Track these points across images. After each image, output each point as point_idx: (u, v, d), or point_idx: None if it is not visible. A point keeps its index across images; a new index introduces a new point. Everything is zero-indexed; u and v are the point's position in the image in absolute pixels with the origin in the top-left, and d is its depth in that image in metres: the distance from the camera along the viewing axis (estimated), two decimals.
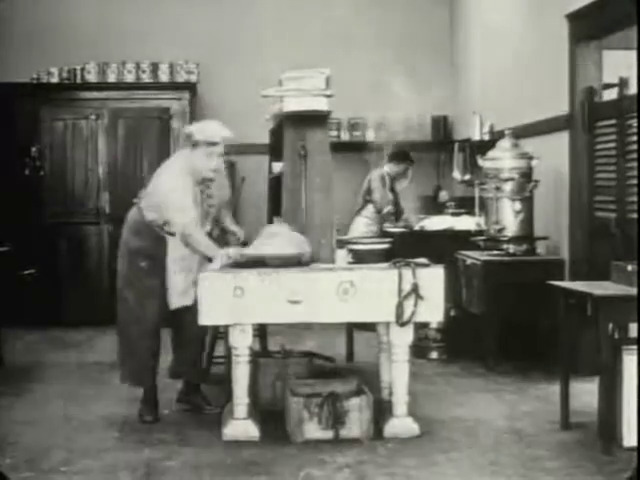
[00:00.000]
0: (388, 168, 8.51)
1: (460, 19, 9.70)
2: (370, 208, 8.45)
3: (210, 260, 5.19)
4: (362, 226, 8.36)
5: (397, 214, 8.37)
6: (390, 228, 7.90)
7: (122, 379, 5.54)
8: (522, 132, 7.17)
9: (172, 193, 5.25)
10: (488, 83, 8.68)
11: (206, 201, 5.46)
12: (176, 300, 5.41)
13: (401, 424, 5.00)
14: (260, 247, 5.10)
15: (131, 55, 9.27)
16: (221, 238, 6.14)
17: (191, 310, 5.30)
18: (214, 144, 5.37)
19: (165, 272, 5.38)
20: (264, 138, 7.03)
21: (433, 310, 4.99)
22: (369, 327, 5.72)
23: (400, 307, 4.92)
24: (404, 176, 8.60)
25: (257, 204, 8.26)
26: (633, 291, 4.50)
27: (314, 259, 5.16)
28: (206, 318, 4.96)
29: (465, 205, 7.84)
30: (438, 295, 4.98)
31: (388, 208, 8.30)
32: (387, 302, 4.92)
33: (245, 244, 5.54)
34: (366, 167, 8.94)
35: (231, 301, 4.88)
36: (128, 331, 5.43)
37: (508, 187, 6.68)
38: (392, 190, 8.51)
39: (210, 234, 5.46)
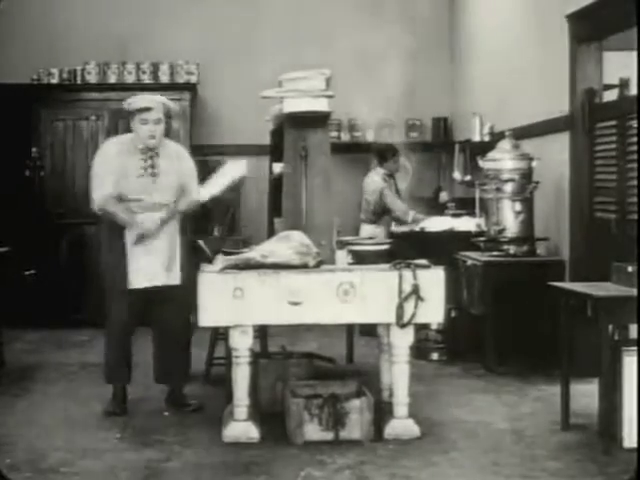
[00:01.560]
0: (387, 169, 8.45)
1: (460, 20, 9.70)
2: (384, 220, 8.35)
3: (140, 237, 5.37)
4: (370, 230, 8.29)
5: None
6: (398, 229, 7.88)
7: (105, 379, 5.68)
8: (522, 133, 7.17)
9: (92, 171, 5.61)
10: (488, 84, 8.67)
11: (161, 174, 5.50)
12: (138, 280, 5.45)
13: (401, 425, 5.00)
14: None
15: (131, 56, 9.27)
16: (226, 236, 6.18)
17: (171, 307, 5.44)
18: (147, 109, 5.48)
19: (125, 257, 5.45)
20: (264, 139, 7.02)
21: (433, 311, 4.99)
22: (373, 333, 5.72)
23: (400, 308, 4.92)
24: (398, 170, 8.53)
25: (257, 205, 8.27)
26: (633, 292, 4.50)
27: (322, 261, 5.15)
28: (206, 319, 4.96)
29: (465, 206, 7.83)
30: (438, 296, 4.98)
31: (412, 214, 8.18)
32: (387, 303, 4.92)
33: (245, 243, 5.55)
34: (366, 168, 8.94)
35: (231, 302, 4.88)
36: (107, 327, 5.61)
37: (508, 188, 6.68)
38: (397, 191, 8.49)
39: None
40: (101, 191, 5.48)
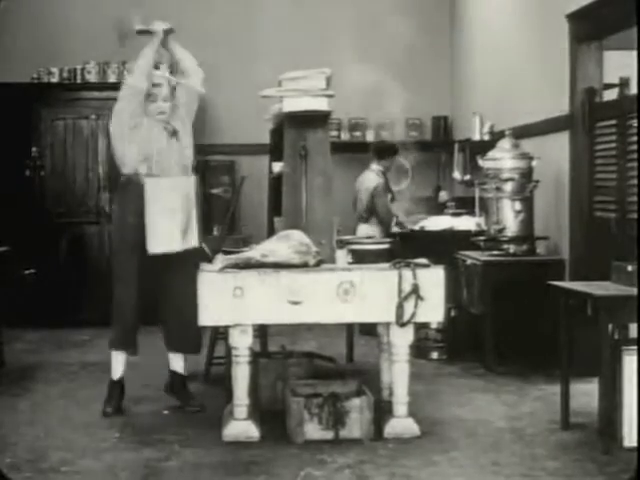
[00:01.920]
0: (381, 166, 8.46)
1: (460, 19, 9.70)
2: (374, 220, 8.39)
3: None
4: (366, 229, 8.30)
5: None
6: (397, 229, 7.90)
7: (109, 345, 5.59)
8: (522, 132, 7.17)
9: (112, 134, 5.57)
10: (488, 83, 8.68)
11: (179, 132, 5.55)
12: (156, 244, 5.33)
13: (401, 424, 5.00)
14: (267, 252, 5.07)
15: (131, 55, 9.24)
16: (226, 235, 6.18)
17: (186, 270, 5.25)
18: (156, 85, 5.57)
19: (144, 223, 5.35)
20: (264, 138, 7.02)
21: (433, 310, 4.99)
22: (373, 332, 5.72)
23: (400, 308, 4.92)
24: (391, 167, 8.54)
25: (257, 204, 8.27)
26: (633, 291, 4.50)
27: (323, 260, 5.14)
28: (206, 318, 4.96)
29: (465, 205, 7.84)
30: (438, 296, 4.98)
31: (395, 218, 8.20)
32: (387, 303, 4.92)
33: (245, 242, 5.54)
34: (366, 167, 8.94)
35: (231, 301, 4.88)
36: (115, 294, 5.53)
37: (508, 187, 6.68)
38: (390, 190, 8.49)
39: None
40: (130, 154, 5.45)
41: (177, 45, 5.76)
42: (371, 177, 8.42)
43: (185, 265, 5.32)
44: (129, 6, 9.49)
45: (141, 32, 5.75)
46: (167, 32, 5.73)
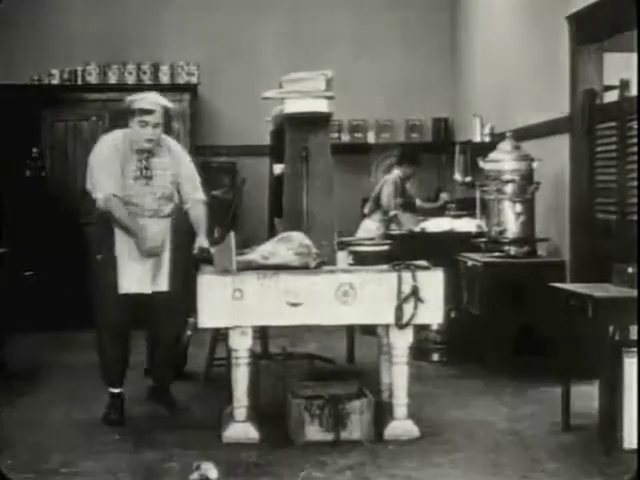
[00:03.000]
0: (399, 171, 8.55)
1: (461, 21, 9.70)
2: (379, 212, 8.48)
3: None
4: (371, 228, 8.34)
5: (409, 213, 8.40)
6: (395, 230, 7.91)
7: (102, 379, 5.61)
8: (523, 134, 7.17)
9: (91, 169, 5.45)
10: (489, 85, 8.68)
11: (156, 176, 5.41)
12: (127, 286, 5.36)
13: (401, 426, 5.00)
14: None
15: (132, 56, 9.28)
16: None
17: (161, 307, 5.37)
18: (148, 112, 5.36)
19: (116, 263, 5.38)
20: (265, 140, 7.05)
21: (433, 312, 4.99)
22: (375, 332, 5.72)
23: (400, 309, 4.92)
24: (411, 177, 8.64)
25: (258, 206, 8.28)
26: (634, 293, 4.50)
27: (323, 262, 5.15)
28: (206, 320, 4.96)
29: (466, 207, 7.84)
30: (438, 297, 4.98)
31: (394, 212, 8.30)
32: (387, 304, 4.92)
33: (246, 243, 5.55)
34: (367, 169, 8.96)
35: (230, 303, 4.87)
36: (97, 330, 5.57)
37: (509, 189, 6.68)
38: (403, 194, 8.53)
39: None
40: (103, 191, 5.34)
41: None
42: (389, 177, 8.53)
43: (160, 305, 5.40)
44: (129, 7, 9.59)
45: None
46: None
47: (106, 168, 5.38)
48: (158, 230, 5.42)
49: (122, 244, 5.39)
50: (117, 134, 5.52)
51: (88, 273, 5.56)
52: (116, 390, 5.53)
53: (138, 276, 5.38)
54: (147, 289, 5.40)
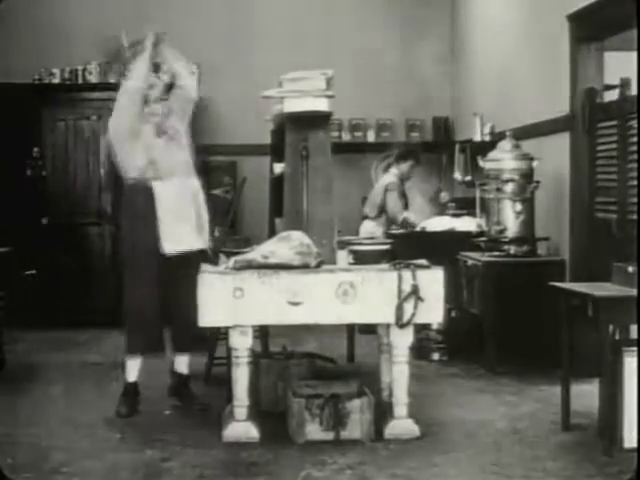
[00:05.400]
0: (398, 170, 8.52)
1: (461, 19, 9.70)
2: (383, 217, 8.44)
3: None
4: (373, 230, 8.32)
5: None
6: (395, 230, 7.91)
7: (130, 350, 5.56)
8: (523, 133, 7.17)
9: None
10: (489, 84, 8.68)
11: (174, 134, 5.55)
12: (170, 245, 5.43)
13: (401, 426, 5.00)
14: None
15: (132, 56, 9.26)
16: (227, 236, 6.17)
17: (184, 277, 5.28)
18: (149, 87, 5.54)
19: (156, 224, 5.42)
20: (265, 139, 7.04)
21: (433, 312, 4.99)
22: (374, 330, 5.72)
23: (400, 309, 4.92)
24: (410, 175, 8.62)
25: (258, 205, 8.27)
26: (633, 292, 4.49)
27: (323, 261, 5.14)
28: (206, 319, 4.96)
29: (466, 206, 7.84)
30: (438, 297, 4.98)
31: (403, 215, 8.26)
32: (387, 304, 4.92)
33: (246, 242, 5.55)
34: (367, 168, 8.95)
35: (231, 302, 4.87)
36: (132, 300, 5.49)
37: (509, 188, 6.69)
38: (404, 194, 8.53)
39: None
40: (134, 160, 5.47)
41: (170, 50, 5.70)
42: (387, 177, 8.51)
43: (190, 268, 5.27)
44: (130, 6, 9.58)
45: (133, 46, 5.67)
46: (158, 38, 5.62)
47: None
48: (194, 191, 5.54)
49: (161, 207, 5.44)
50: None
51: (116, 242, 5.65)
52: (131, 380, 5.56)
53: (181, 234, 5.44)
54: (191, 246, 5.45)
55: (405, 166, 8.54)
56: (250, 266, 4.96)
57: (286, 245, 5.03)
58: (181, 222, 5.46)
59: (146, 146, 5.47)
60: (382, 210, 8.46)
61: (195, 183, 5.61)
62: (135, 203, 5.52)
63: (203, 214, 5.59)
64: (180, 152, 5.58)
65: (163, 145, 5.52)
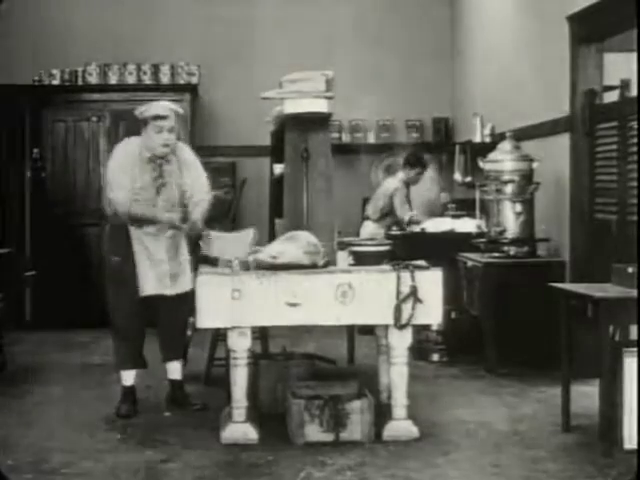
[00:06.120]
0: (404, 175, 8.50)
1: (461, 21, 9.70)
2: (388, 219, 8.42)
3: (176, 227, 5.47)
4: (372, 229, 8.32)
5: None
6: (395, 231, 7.91)
7: (118, 367, 5.66)
8: (523, 134, 7.17)
9: (109, 176, 5.53)
10: (489, 85, 8.68)
11: (169, 184, 5.53)
12: (147, 288, 5.50)
13: (400, 427, 5.00)
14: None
15: (132, 57, 9.27)
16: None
17: (168, 302, 5.53)
18: (163, 117, 5.47)
19: (135, 265, 5.49)
20: (265, 140, 7.03)
21: (431, 313, 4.98)
22: (371, 331, 5.72)
23: (398, 310, 4.92)
24: (417, 180, 8.60)
25: (258, 206, 8.27)
26: (633, 293, 4.50)
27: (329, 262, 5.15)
28: (204, 321, 4.95)
29: (466, 207, 7.84)
30: (436, 298, 4.98)
31: (410, 215, 8.24)
32: (385, 305, 4.91)
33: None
34: (367, 169, 8.95)
35: (229, 304, 4.87)
36: (115, 321, 5.59)
37: (509, 189, 6.69)
38: (408, 197, 8.51)
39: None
40: (124, 194, 5.44)
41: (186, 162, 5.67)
42: (392, 181, 8.49)
43: (179, 305, 5.58)
44: (130, 7, 9.58)
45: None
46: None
47: (124, 171, 5.48)
48: (171, 235, 5.55)
49: (140, 247, 5.51)
50: (132, 142, 5.64)
51: (103, 274, 5.73)
52: (129, 384, 5.61)
53: (157, 280, 5.51)
54: (167, 291, 5.54)
55: (412, 172, 8.50)
56: (260, 266, 4.96)
57: (295, 245, 5.03)
58: (156, 268, 5.51)
59: (134, 188, 5.47)
60: (385, 214, 8.42)
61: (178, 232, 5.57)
62: (115, 239, 5.57)
63: (183, 260, 5.60)
64: (167, 197, 5.54)
65: (153, 193, 5.52)
